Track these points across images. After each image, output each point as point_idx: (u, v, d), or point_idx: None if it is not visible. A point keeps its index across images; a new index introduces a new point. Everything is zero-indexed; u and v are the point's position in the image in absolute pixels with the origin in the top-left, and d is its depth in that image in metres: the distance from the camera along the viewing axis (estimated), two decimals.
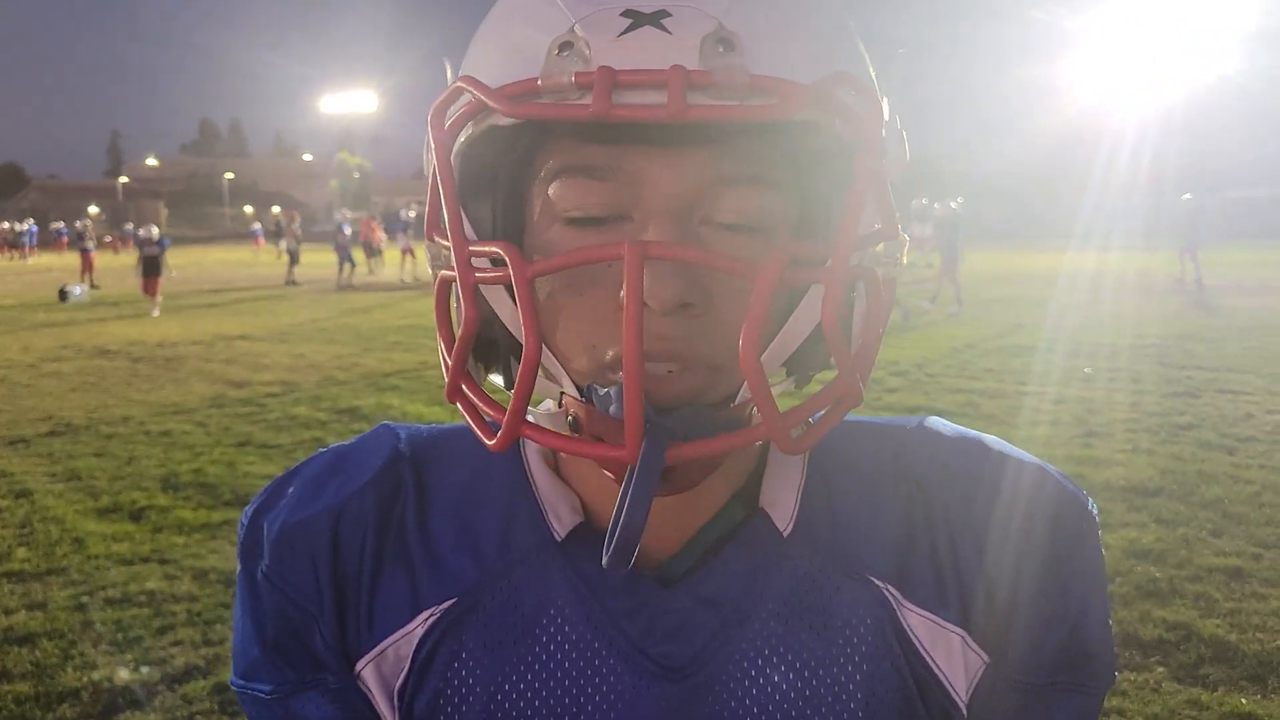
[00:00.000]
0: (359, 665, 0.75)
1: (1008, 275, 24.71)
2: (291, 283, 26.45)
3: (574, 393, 0.66)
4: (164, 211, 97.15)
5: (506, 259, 0.60)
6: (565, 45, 0.59)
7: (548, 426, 0.67)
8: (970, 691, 0.75)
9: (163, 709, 3.76)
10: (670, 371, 0.63)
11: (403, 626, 0.74)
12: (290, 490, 0.79)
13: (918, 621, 0.75)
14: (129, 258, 45.61)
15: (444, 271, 0.67)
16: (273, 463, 7.20)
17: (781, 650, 0.73)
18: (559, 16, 0.61)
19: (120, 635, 4.35)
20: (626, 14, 0.60)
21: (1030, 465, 0.78)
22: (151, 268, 19.85)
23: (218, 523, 5.85)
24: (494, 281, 0.63)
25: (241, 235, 71.48)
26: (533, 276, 0.60)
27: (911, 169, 0.70)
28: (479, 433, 0.67)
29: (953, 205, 23.08)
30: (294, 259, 27.73)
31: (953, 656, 0.75)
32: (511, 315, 0.68)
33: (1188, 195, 27.92)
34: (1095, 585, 0.77)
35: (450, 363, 0.67)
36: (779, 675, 0.72)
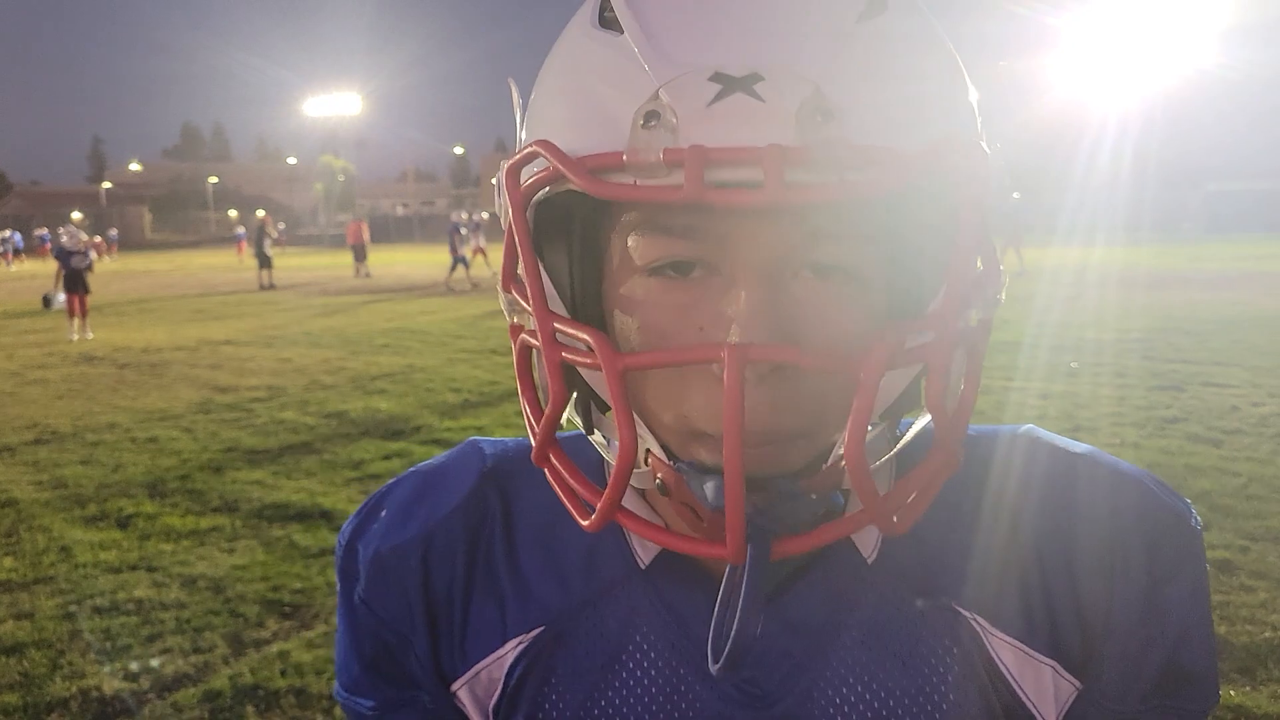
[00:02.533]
0: (455, 686, 0.77)
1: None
2: (264, 287, 26.32)
3: (662, 455, 0.64)
4: (148, 216, 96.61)
5: (595, 349, 0.58)
6: (651, 115, 0.56)
7: (634, 484, 0.67)
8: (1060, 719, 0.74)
9: (152, 717, 3.74)
10: (765, 445, 0.61)
11: (494, 652, 0.76)
12: (383, 514, 0.80)
13: (1006, 650, 0.72)
14: (113, 264, 45.39)
15: (526, 335, 0.65)
16: (260, 468, 7.17)
17: (866, 679, 0.71)
18: (642, 79, 0.58)
19: (109, 644, 4.33)
20: (715, 78, 0.56)
21: (1127, 479, 0.75)
22: (76, 283, 16.14)
23: (205, 529, 5.82)
24: (582, 365, 0.60)
25: (226, 240, 71.24)
26: (624, 370, 0.58)
27: None
28: (571, 509, 0.66)
29: None
30: (263, 263, 27.52)
31: (1043, 686, 0.73)
32: (594, 376, 0.66)
33: (1016, 195, 29.72)
34: (1198, 605, 0.74)
35: (538, 430, 0.65)
36: (864, 704, 0.71)
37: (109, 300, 22.55)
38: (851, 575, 0.73)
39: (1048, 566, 0.73)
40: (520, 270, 0.63)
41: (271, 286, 26.31)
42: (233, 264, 41.10)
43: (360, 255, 30.85)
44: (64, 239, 17.25)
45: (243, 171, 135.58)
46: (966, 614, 0.73)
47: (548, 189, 0.61)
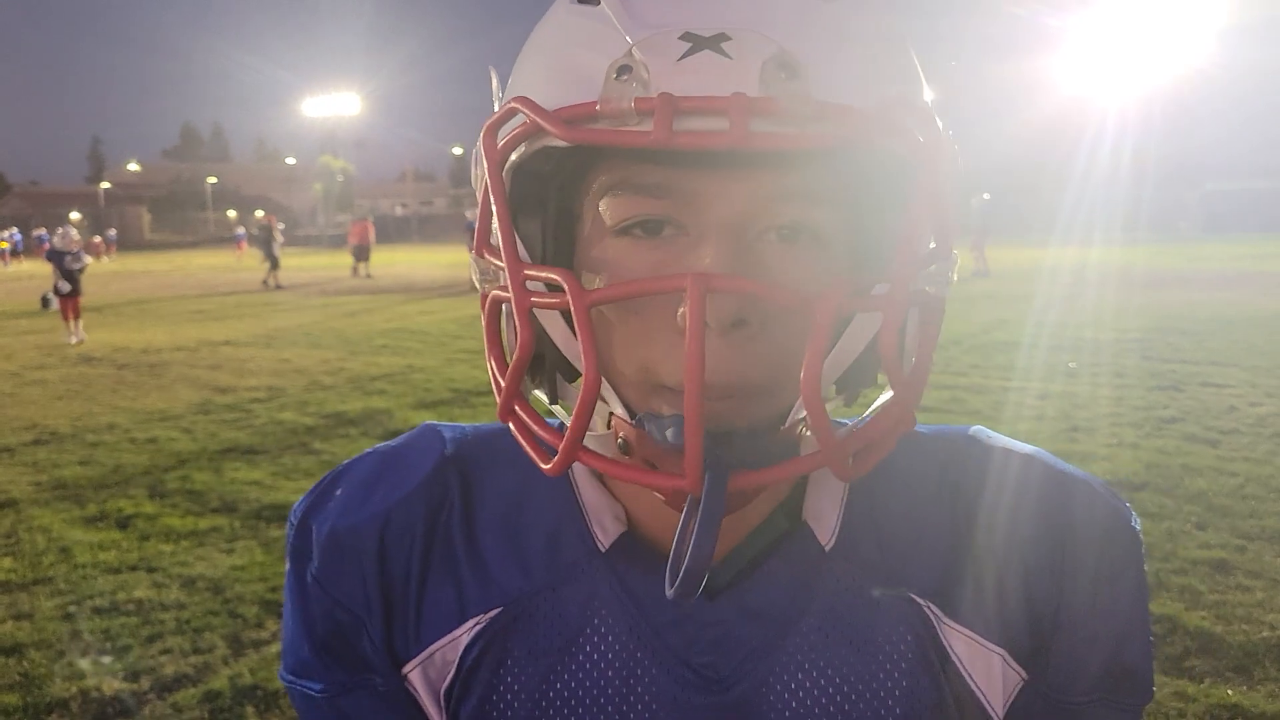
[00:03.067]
0: (406, 668, 0.77)
1: (990, 270, 24.80)
2: (270, 286, 26.33)
3: (625, 415, 0.66)
4: (147, 217, 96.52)
5: (565, 286, 0.60)
6: (624, 69, 0.59)
7: (596, 449, 0.67)
8: (1006, 708, 0.76)
9: (152, 718, 3.74)
10: (727, 399, 0.63)
11: (450, 633, 0.76)
12: (338, 492, 0.80)
13: (958, 639, 0.75)
14: (111, 264, 45.36)
15: (496, 291, 0.67)
16: (259, 468, 7.18)
17: (822, 665, 0.73)
18: (616, 38, 0.61)
19: (108, 644, 4.33)
20: (685, 37, 0.59)
21: (1078, 483, 0.78)
22: (71, 282, 15.70)
23: (205, 530, 5.83)
24: (550, 307, 0.62)
25: (225, 240, 71.22)
26: (591, 305, 0.59)
27: None
28: (533, 455, 0.67)
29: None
30: (273, 264, 27.55)
31: (992, 675, 0.75)
32: (563, 336, 0.68)
33: (986, 195, 30.85)
34: (1139, 604, 0.77)
35: (504, 384, 0.66)
36: (819, 689, 0.73)
37: (108, 301, 22.52)
38: (810, 563, 0.74)
39: (1000, 561, 0.75)
40: (494, 233, 0.65)
41: (279, 287, 26.30)
42: (232, 264, 41.11)
43: (363, 255, 30.58)
44: (57, 240, 16.52)
45: (242, 172, 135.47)
46: (921, 602, 0.75)
47: (524, 147, 0.63)
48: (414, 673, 0.77)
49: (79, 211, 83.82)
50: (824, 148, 0.58)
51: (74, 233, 16.85)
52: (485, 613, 0.75)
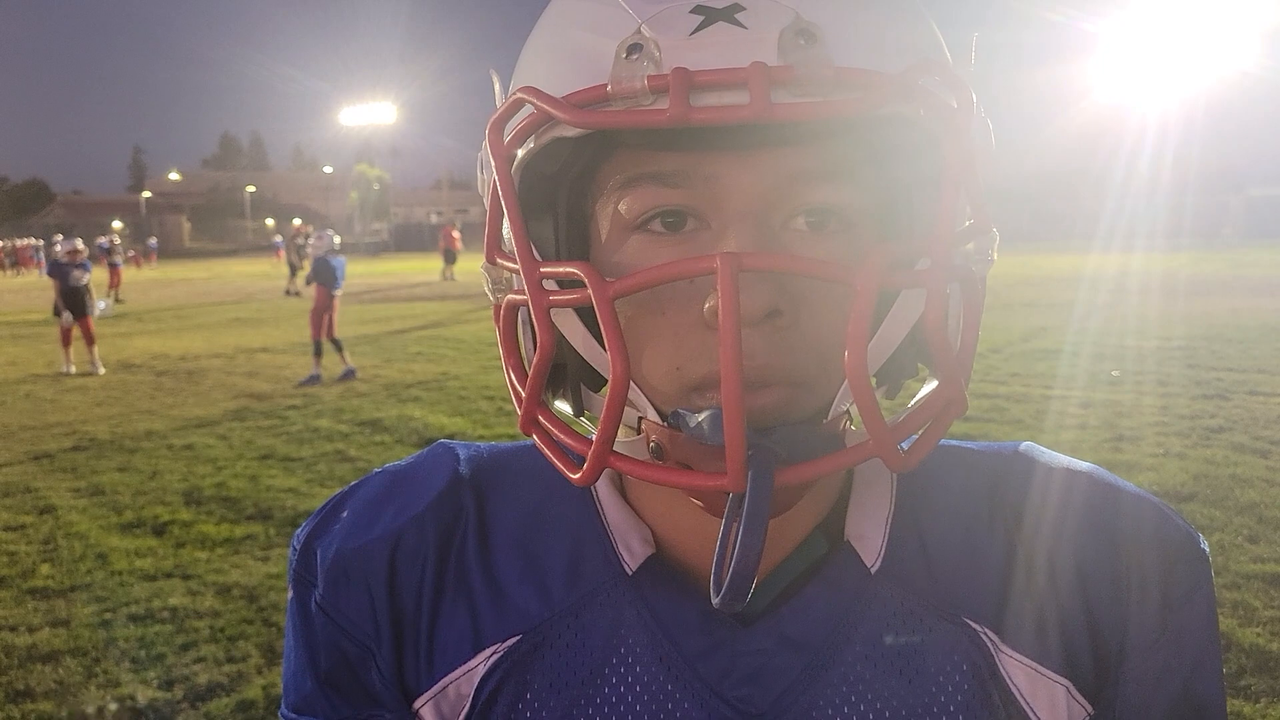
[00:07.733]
0: (417, 703, 0.72)
1: (1030, 278, 24.53)
2: (290, 293, 26.89)
3: (656, 418, 0.62)
4: (187, 225, 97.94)
5: (585, 279, 0.56)
6: (634, 47, 0.55)
7: (629, 454, 0.63)
8: None
9: None
10: (764, 388, 0.59)
11: (464, 663, 0.70)
12: (345, 514, 0.75)
13: (1017, 669, 0.69)
14: (152, 272, 46.00)
15: (511, 295, 0.63)
16: (294, 475, 7.20)
17: (869, 697, 0.67)
18: (623, 18, 0.57)
19: (143, 652, 4.34)
20: (697, 10, 0.56)
21: (1141, 501, 0.73)
22: (75, 303, 12.87)
23: (240, 537, 5.84)
24: (570, 304, 0.58)
25: (263, 248, 72.13)
26: (614, 297, 0.56)
27: None
28: (561, 466, 0.62)
29: None
30: (293, 270, 28.53)
31: (1056, 708, 0.69)
32: (583, 339, 0.65)
33: None
34: (1209, 633, 0.71)
35: (524, 393, 0.62)
36: None
37: (148, 309, 22.80)
38: (854, 586, 0.69)
39: (1060, 584, 0.70)
40: (505, 236, 0.62)
41: (297, 294, 26.88)
42: (270, 272, 41.52)
43: (451, 259, 33.05)
44: (58, 249, 13.53)
45: (279, 180, 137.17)
46: (976, 628, 0.69)
47: (532, 141, 0.59)
48: (425, 708, 0.71)
49: (120, 220, 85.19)
50: (847, 119, 0.55)
51: (78, 241, 14.22)
52: (503, 641, 0.70)
